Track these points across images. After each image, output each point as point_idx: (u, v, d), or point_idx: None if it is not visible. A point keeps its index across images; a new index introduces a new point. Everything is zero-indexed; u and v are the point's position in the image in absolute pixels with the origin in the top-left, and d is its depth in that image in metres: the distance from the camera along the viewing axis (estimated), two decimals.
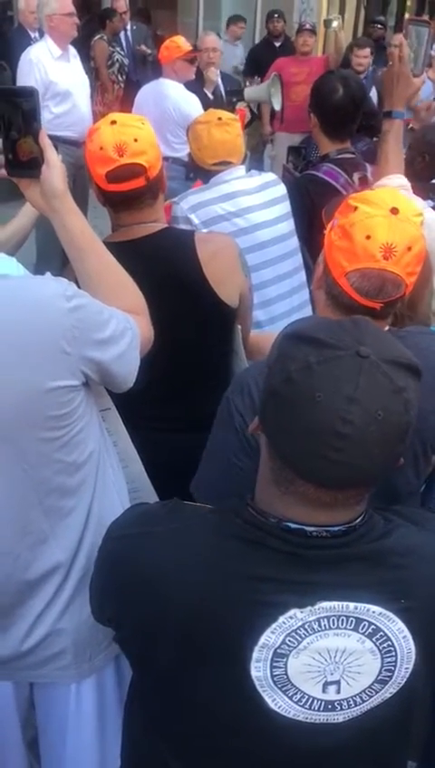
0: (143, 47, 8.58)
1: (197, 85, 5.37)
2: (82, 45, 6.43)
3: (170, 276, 2.03)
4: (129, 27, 8.47)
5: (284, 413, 1.00)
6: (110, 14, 8.14)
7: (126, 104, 6.37)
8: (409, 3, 19.49)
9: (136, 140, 1.90)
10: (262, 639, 1.03)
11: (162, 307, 2.04)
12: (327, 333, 1.01)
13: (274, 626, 1.03)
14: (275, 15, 8.53)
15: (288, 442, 1.00)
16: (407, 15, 18.75)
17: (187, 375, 2.10)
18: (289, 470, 1.02)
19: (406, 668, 1.09)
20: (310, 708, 1.07)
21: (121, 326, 1.43)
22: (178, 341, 2.04)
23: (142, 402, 2.14)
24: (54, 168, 1.50)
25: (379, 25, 9.86)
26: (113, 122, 1.92)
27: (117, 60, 7.66)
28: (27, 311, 1.29)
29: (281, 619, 1.03)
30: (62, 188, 1.51)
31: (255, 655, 1.04)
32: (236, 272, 2.17)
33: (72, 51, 5.39)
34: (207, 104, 4.92)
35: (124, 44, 8.35)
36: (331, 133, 3.00)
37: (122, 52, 7.84)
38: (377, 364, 0.97)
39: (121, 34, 8.36)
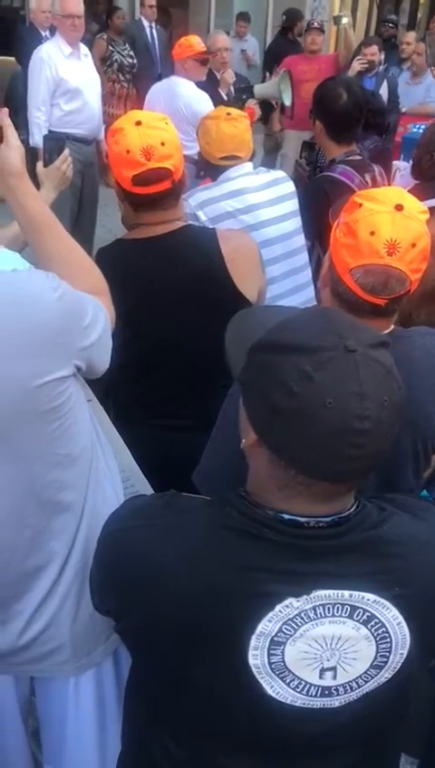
0: None
1: (211, 86, 5.36)
2: (90, 46, 6.43)
3: (194, 273, 2.05)
4: (154, 24, 8.45)
5: (295, 427, 0.98)
6: (111, 11, 8.11)
7: (138, 103, 6.37)
8: (422, 0, 19.42)
9: (163, 144, 1.91)
10: (259, 628, 1.05)
11: (185, 303, 2.05)
12: (308, 337, 1.00)
13: (270, 615, 1.04)
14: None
15: (306, 452, 0.99)
16: (420, 14, 18.69)
17: (204, 371, 2.07)
18: (304, 476, 1.02)
19: (401, 654, 1.10)
20: (307, 694, 1.09)
21: (95, 310, 1.42)
22: (198, 337, 2.04)
23: (157, 400, 2.16)
24: (13, 147, 1.51)
25: (390, 24, 9.82)
26: (138, 123, 1.91)
27: (116, 60, 7.63)
28: (17, 306, 1.28)
29: (278, 607, 1.04)
30: (19, 168, 1.51)
31: (252, 643, 1.05)
32: (257, 268, 2.19)
33: (84, 49, 5.42)
34: (221, 105, 4.92)
35: (150, 41, 8.30)
36: (337, 138, 3.02)
37: (124, 52, 7.79)
38: (365, 353, 0.98)
39: (147, 29, 8.32)
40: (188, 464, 1.63)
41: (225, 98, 5.34)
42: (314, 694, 1.09)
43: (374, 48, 6.58)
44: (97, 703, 1.61)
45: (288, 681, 1.08)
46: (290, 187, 2.72)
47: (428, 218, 1.45)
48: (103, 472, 1.52)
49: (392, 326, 1.56)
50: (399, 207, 1.39)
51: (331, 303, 1.51)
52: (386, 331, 1.53)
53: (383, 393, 0.98)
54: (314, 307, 1.14)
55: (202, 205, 2.51)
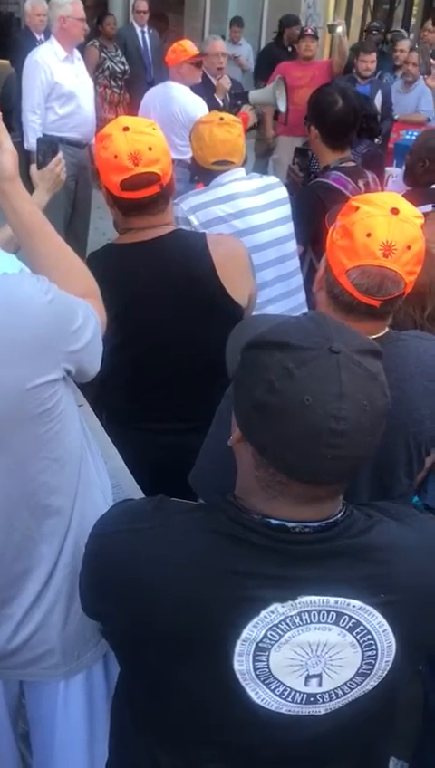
0: None
1: (207, 91, 5.37)
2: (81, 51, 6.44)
3: (184, 277, 2.05)
4: (146, 29, 8.46)
5: (273, 422, 0.99)
6: (101, 18, 8.10)
7: (132, 109, 6.38)
8: (415, 10, 19.53)
9: (150, 149, 1.91)
10: (244, 633, 1.04)
11: (175, 307, 2.06)
12: (294, 336, 1.01)
13: (255, 620, 1.04)
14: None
15: (283, 449, 1.00)
16: (413, 21, 18.79)
17: (195, 375, 2.10)
18: (283, 475, 1.02)
19: (386, 661, 1.10)
20: (292, 701, 1.08)
21: (85, 313, 1.42)
22: (189, 341, 2.05)
23: (148, 404, 2.15)
24: (6, 151, 1.51)
25: (374, 31, 9.87)
26: (126, 128, 1.92)
27: (108, 66, 7.63)
28: (7, 309, 1.27)
29: (263, 613, 1.04)
30: (12, 172, 1.51)
31: (237, 649, 1.05)
32: (247, 272, 2.20)
33: (77, 54, 5.43)
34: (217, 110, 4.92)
35: (142, 47, 8.31)
36: (332, 144, 3.02)
37: (116, 58, 7.79)
38: (350, 356, 0.99)
39: (139, 34, 8.33)
40: (180, 467, 1.62)
41: (221, 104, 5.35)
42: (299, 701, 1.09)
43: (373, 56, 6.64)
44: (86, 706, 1.60)
45: (273, 688, 1.07)
46: (283, 192, 2.73)
47: (422, 223, 1.47)
48: (93, 476, 1.51)
49: (387, 328, 1.57)
50: (395, 211, 1.40)
51: (326, 306, 1.51)
52: (380, 333, 1.54)
53: (364, 397, 0.98)
54: (309, 312, 1.15)
55: (194, 209, 2.51)
